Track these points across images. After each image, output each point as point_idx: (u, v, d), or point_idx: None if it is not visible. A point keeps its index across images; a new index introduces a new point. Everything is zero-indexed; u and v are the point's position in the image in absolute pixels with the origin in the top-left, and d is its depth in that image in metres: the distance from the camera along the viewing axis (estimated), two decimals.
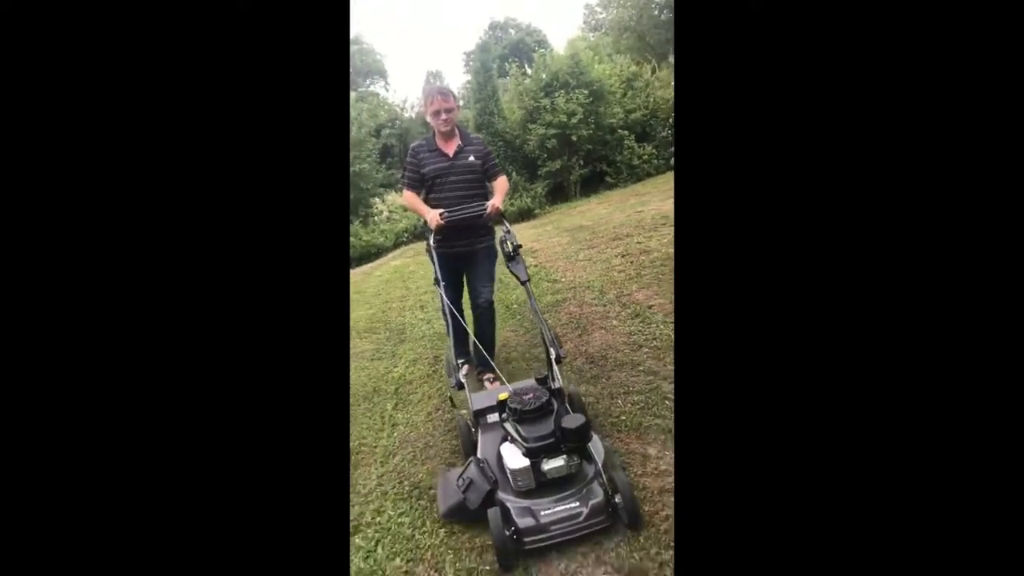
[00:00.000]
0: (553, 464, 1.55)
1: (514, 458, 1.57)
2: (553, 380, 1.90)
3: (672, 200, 6.10)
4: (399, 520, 1.86)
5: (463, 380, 1.97)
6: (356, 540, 1.79)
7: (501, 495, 1.60)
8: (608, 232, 5.37)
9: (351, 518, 1.89)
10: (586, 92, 8.73)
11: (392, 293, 5.14)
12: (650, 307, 3.18)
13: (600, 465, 1.58)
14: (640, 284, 3.63)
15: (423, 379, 2.95)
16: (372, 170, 10.14)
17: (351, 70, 18.98)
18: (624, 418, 2.13)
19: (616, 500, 1.49)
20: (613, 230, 5.39)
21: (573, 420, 1.55)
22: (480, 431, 1.89)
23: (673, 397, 2.18)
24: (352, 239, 8.50)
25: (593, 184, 9.27)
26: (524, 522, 1.50)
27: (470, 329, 2.48)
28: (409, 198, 2.47)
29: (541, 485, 1.57)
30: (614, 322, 3.11)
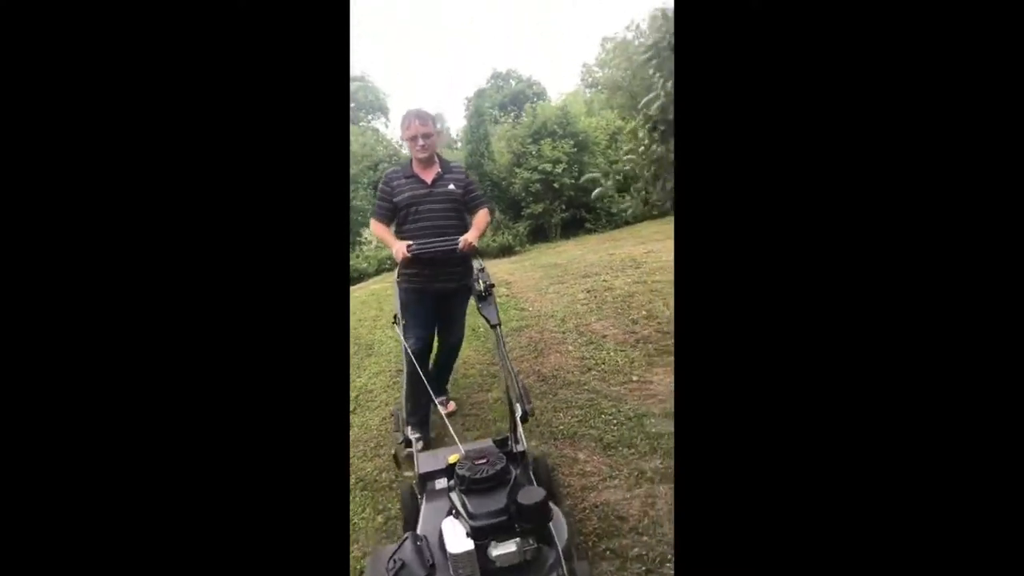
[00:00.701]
0: (503, 550, 1.23)
1: (456, 539, 1.25)
2: (516, 442, 1.65)
3: (642, 246, 6.43)
4: None
5: (411, 437, 1.64)
6: None
7: None
8: (578, 270, 5.65)
9: None
10: (571, 142, 9.28)
11: (366, 313, 5.31)
12: (604, 336, 3.41)
13: (561, 551, 1.24)
14: (599, 316, 3.87)
15: (383, 389, 3.10)
16: (364, 203, 10.47)
17: (353, 104, 19.70)
18: (562, 428, 2.31)
19: None
20: (583, 268, 5.68)
21: (531, 494, 1.25)
22: (425, 499, 1.58)
23: (611, 412, 2.37)
24: None
25: (573, 228, 9.68)
26: None
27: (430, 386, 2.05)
28: (376, 228, 2.26)
29: (487, 574, 1.24)
30: (569, 347, 3.32)
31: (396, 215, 2.22)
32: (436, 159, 2.26)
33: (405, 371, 1.93)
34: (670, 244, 5.23)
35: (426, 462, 1.68)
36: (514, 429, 1.68)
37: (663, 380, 2.64)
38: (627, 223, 9.60)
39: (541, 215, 9.39)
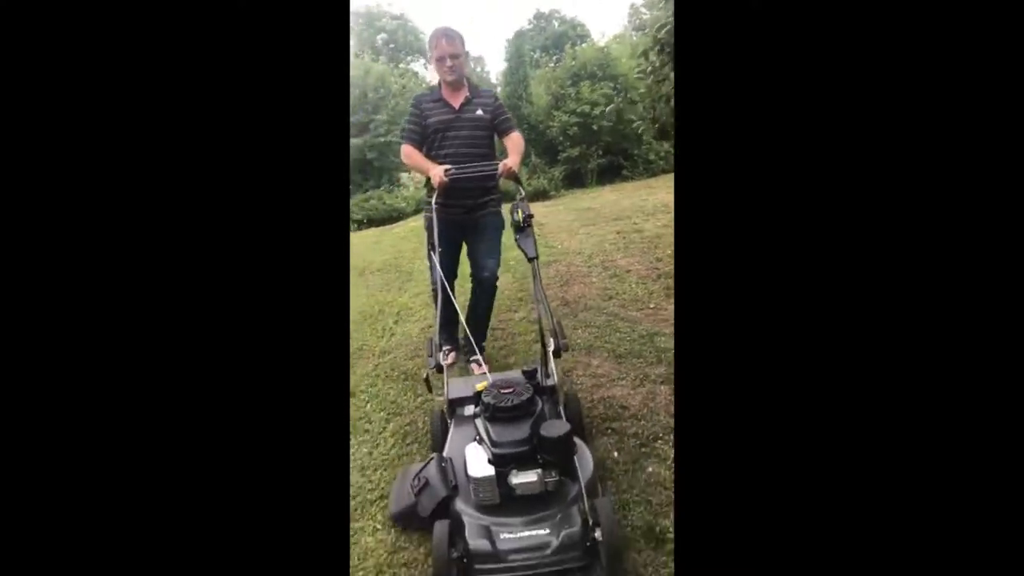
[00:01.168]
0: (523, 478, 1.26)
1: (478, 464, 1.29)
2: (546, 376, 1.65)
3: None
4: (386, 390, 2.35)
5: (443, 362, 1.66)
6: (353, 402, 2.28)
7: (459, 506, 1.32)
8: (611, 214, 5.76)
9: (352, 389, 2.38)
10: (612, 85, 9.06)
11: (406, 246, 5.63)
12: (628, 271, 3.60)
13: (584, 486, 1.25)
14: (626, 254, 4.04)
15: (422, 307, 3.43)
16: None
17: (392, 45, 19.43)
18: (580, 341, 2.57)
19: (596, 535, 1.17)
20: (616, 212, 5.78)
21: (555, 427, 1.27)
22: (453, 424, 1.63)
23: (625, 331, 2.61)
24: (376, 202, 9.04)
25: (609, 175, 9.61)
26: (478, 544, 1.22)
27: (461, 311, 2.14)
28: (408, 153, 2.17)
29: (507, 501, 1.27)
30: (594, 279, 3.54)
31: (426, 139, 2.16)
32: (465, 83, 2.18)
33: (439, 296, 1.90)
34: None
35: (456, 388, 1.73)
36: (545, 363, 1.68)
37: None
38: (664, 171, 9.45)
39: (577, 159, 9.34)
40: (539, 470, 1.27)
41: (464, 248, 2.32)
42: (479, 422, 1.40)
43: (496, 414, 1.35)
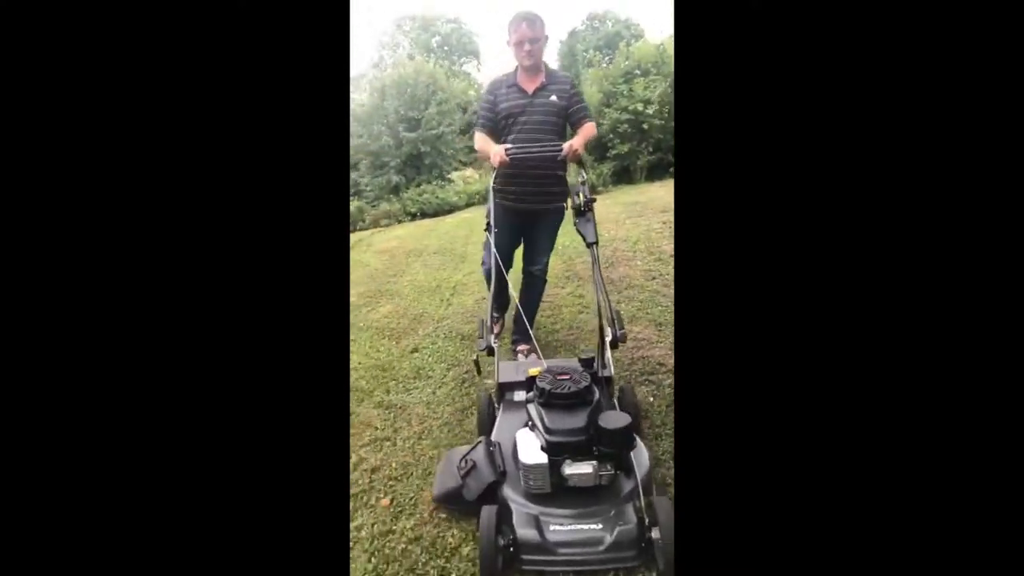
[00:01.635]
0: (578, 469, 1.21)
1: (530, 450, 1.25)
2: (603, 367, 1.60)
3: None
4: (445, 347, 2.64)
5: (494, 345, 1.60)
6: (416, 356, 2.58)
7: (507, 491, 1.29)
8: (658, 207, 5.86)
9: (414, 346, 2.67)
10: (666, 83, 9.08)
11: (459, 232, 5.96)
12: (672, 256, 3.74)
13: (641, 482, 1.21)
14: (671, 242, 4.16)
15: (476, 283, 3.71)
16: (453, 138, 11.06)
17: (447, 47, 20.07)
18: (624, 313, 2.76)
19: (653, 535, 1.13)
20: (663, 205, 5.87)
21: (615, 419, 1.21)
22: (502, 409, 1.59)
23: (665, 305, 2.78)
24: (428, 196, 9.50)
25: (659, 172, 9.62)
26: (526, 534, 1.18)
27: (514, 295, 2.17)
28: (478, 139, 2.14)
29: (559, 492, 1.24)
30: (638, 262, 3.70)
31: (498, 125, 2.13)
32: (542, 68, 2.11)
33: (492, 278, 1.89)
34: None
35: (506, 372, 1.68)
36: (602, 353, 1.61)
37: None
38: None
39: (627, 156, 9.42)
40: (594, 462, 1.21)
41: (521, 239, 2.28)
42: (532, 408, 1.35)
43: (551, 400, 1.29)
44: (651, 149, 9.49)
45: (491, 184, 2.06)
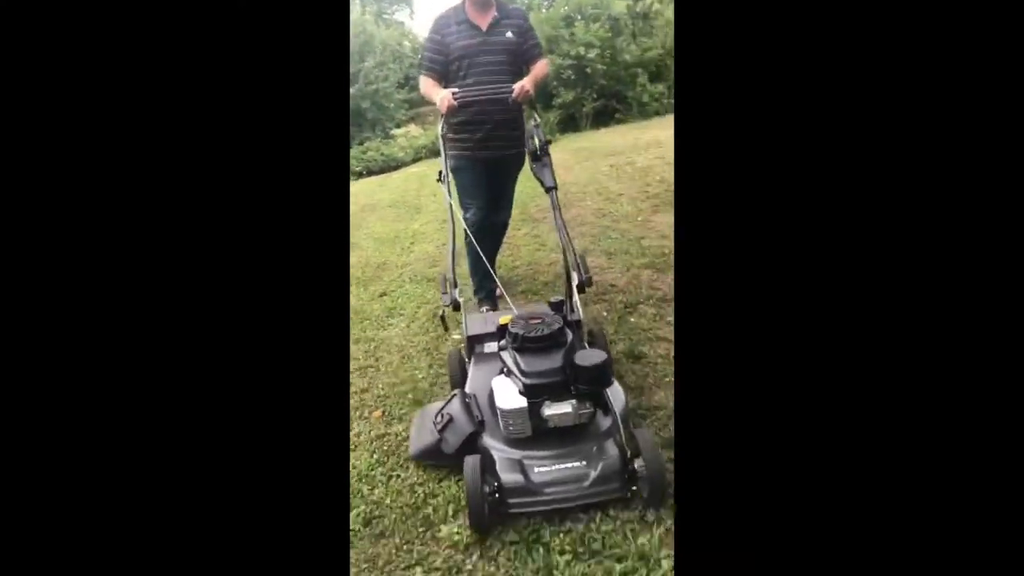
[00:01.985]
0: (557, 409, 1.22)
1: (508, 396, 1.24)
2: (571, 310, 1.59)
3: (670, 130, 6.71)
4: (412, 289, 2.78)
5: (459, 299, 1.57)
6: (385, 299, 2.70)
7: (487, 440, 1.29)
8: (605, 151, 6.05)
9: (382, 291, 2.80)
10: (607, 26, 9.09)
11: (409, 185, 5.96)
12: (620, 195, 3.97)
13: (620, 417, 1.23)
14: (618, 182, 4.39)
15: (435, 232, 3.81)
16: (393, 90, 10.69)
17: None
18: (578, 247, 2.98)
19: (636, 466, 1.17)
20: (610, 150, 6.07)
21: (590, 356, 1.22)
22: (473, 362, 1.55)
23: (615, 237, 3.01)
24: (373, 153, 9.25)
25: (604, 119, 9.76)
26: (510, 479, 1.19)
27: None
28: (424, 85, 1.96)
29: (539, 434, 1.24)
30: (588, 203, 3.91)
31: (448, 68, 1.94)
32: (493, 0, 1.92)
33: (453, 244, 1.73)
34: None
35: (475, 324, 1.64)
36: (570, 296, 1.62)
37: (664, 220, 3.23)
38: (658, 113, 9.61)
39: (572, 104, 9.48)
40: (573, 401, 1.22)
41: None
42: (506, 354, 1.34)
43: (526, 344, 1.29)
44: (595, 96, 9.58)
45: (440, 132, 1.93)
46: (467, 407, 1.34)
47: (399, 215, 4.57)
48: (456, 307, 1.57)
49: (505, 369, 1.33)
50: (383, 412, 1.70)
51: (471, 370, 1.52)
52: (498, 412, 1.26)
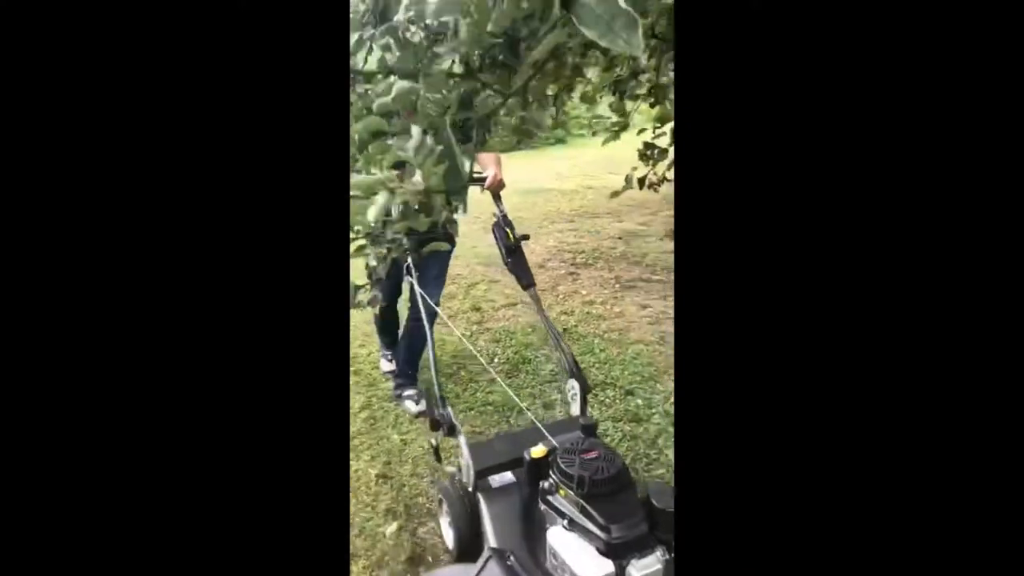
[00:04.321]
0: (645, 569, 1.01)
1: (584, 560, 1.02)
2: (583, 414, 1.43)
3: None
4: None
5: (456, 423, 1.36)
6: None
7: None
8: None
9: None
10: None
11: None
12: None
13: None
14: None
15: None
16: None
17: None
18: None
19: None
20: None
21: (664, 494, 1.05)
22: (483, 501, 1.27)
23: None
24: None
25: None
26: None
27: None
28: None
29: None
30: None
31: None
32: None
33: (430, 342, 1.53)
34: None
35: (482, 455, 1.33)
36: (583, 405, 1.44)
37: None
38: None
39: None
40: (658, 553, 1.02)
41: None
42: (564, 501, 1.10)
43: (593, 489, 1.06)
44: None
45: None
46: (512, 572, 0.99)
47: None
48: (452, 432, 1.34)
49: (567, 518, 1.09)
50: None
51: (486, 514, 1.23)
52: None
